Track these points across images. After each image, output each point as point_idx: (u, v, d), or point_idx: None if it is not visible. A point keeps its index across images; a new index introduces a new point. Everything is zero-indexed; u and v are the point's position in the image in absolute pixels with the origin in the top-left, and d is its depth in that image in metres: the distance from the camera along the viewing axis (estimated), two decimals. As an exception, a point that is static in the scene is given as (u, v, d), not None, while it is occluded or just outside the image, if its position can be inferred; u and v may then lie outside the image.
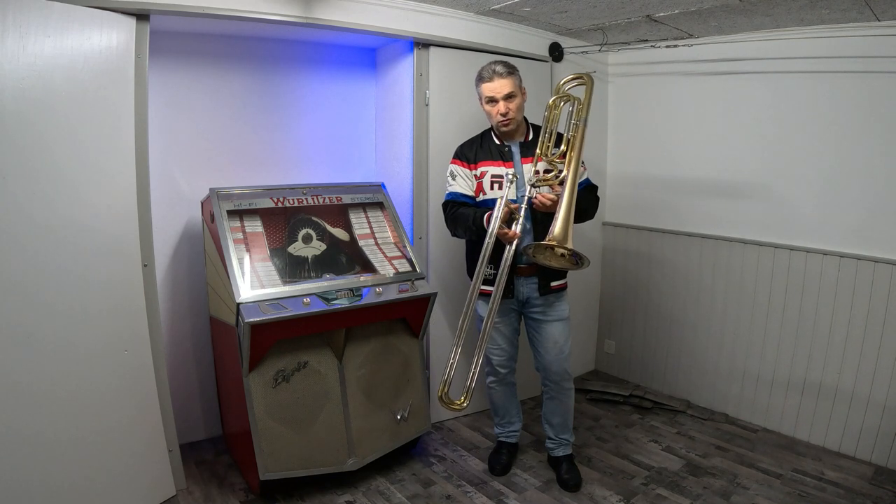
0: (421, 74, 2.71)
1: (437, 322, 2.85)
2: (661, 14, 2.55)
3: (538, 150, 2.20)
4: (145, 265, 2.12)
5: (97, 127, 1.93)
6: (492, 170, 2.28)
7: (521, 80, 2.28)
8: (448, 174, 2.37)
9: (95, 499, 1.98)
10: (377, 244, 2.56)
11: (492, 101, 2.23)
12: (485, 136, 2.37)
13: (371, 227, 2.61)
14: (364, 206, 2.64)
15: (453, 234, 2.40)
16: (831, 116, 2.58)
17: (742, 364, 2.98)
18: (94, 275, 1.95)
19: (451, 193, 2.35)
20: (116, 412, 2.04)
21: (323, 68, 2.91)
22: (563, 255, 2.00)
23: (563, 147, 2.16)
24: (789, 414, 2.82)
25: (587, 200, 2.25)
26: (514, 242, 2.13)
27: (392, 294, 2.36)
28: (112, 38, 1.92)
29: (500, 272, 2.16)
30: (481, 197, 2.30)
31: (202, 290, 2.63)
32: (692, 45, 2.90)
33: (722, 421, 3.00)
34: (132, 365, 2.09)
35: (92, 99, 1.89)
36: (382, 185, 2.70)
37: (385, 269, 2.46)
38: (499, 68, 2.21)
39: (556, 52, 3.11)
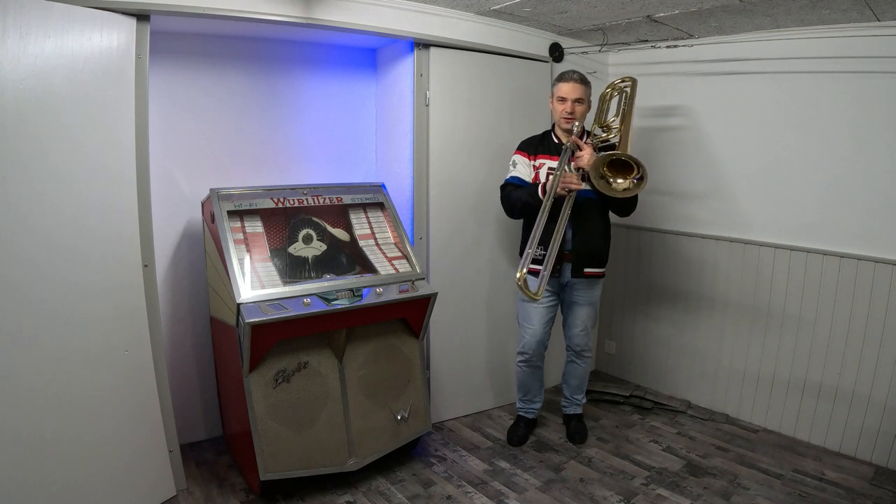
0: (421, 75, 2.71)
1: (438, 322, 2.85)
2: (662, 14, 2.54)
3: (595, 120, 2.71)
4: (146, 266, 2.12)
5: (97, 127, 1.92)
6: (549, 163, 2.58)
7: (591, 94, 2.61)
8: (510, 163, 2.67)
9: (96, 499, 1.98)
10: (377, 244, 2.56)
11: (562, 99, 2.54)
12: (545, 135, 2.68)
13: (371, 228, 2.61)
14: (364, 207, 2.64)
15: (508, 213, 2.67)
16: (831, 117, 2.58)
17: (742, 364, 2.98)
18: (95, 276, 1.96)
19: (511, 177, 2.64)
20: (117, 413, 2.04)
21: (323, 68, 2.91)
22: (625, 188, 2.35)
23: (616, 117, 2.64)
24: (790, 414, 2.82)
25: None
26: (573, 194, 2.43)
27: (392, 294, 2.36)
28: (112, 38, 1.92)
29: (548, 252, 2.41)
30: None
31: (202, 291, 2.63)
32: (692, 46, 2.89)
33: (722, 421, 3.00)
34: (133, 366, 2.09)
35: (92, 99, 1.89)
36: (383, 186, 2.70)
37: (385, 270, 2.46)
38: (576, 76, 2.55)
39: (557, 53, 3.11)
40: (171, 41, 2.44)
